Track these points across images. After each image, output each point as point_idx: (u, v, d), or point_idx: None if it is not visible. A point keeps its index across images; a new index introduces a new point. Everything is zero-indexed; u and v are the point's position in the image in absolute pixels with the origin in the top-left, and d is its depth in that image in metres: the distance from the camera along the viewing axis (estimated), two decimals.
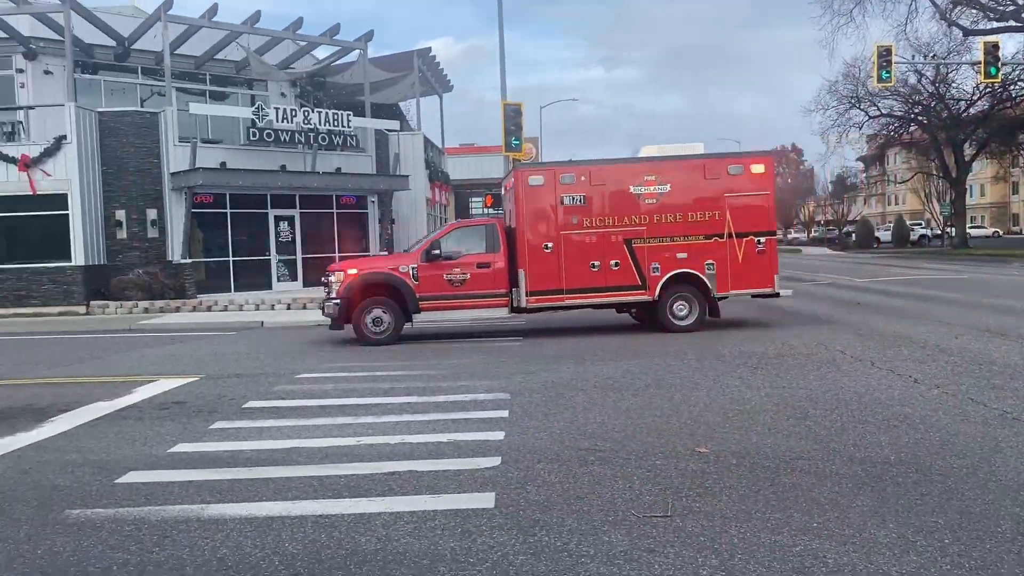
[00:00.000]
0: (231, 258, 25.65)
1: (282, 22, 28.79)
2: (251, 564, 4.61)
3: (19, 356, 14.68)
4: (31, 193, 22.79)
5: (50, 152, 22.81)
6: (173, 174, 24.11)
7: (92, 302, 22.72)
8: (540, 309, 15.14)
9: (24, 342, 17.05)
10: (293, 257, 26.72)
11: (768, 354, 11.80)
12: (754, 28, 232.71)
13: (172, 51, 24.83)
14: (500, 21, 23.14)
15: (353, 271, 14.98)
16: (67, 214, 22.93)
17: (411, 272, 14.73)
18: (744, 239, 14.80)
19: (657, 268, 14.74)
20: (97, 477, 6.46)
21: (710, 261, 14.78)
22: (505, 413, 8.30)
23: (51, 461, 6.99)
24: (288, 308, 22.10)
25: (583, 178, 14.82)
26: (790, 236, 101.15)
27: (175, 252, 24.17)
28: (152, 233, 24.55)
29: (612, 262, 14.70)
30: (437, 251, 14.73)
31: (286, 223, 26.57)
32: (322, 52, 31.40)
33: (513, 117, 21.88)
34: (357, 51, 29.31)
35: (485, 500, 5.55)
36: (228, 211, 25.45)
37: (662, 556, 4.51)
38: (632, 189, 14.79)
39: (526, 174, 15.01)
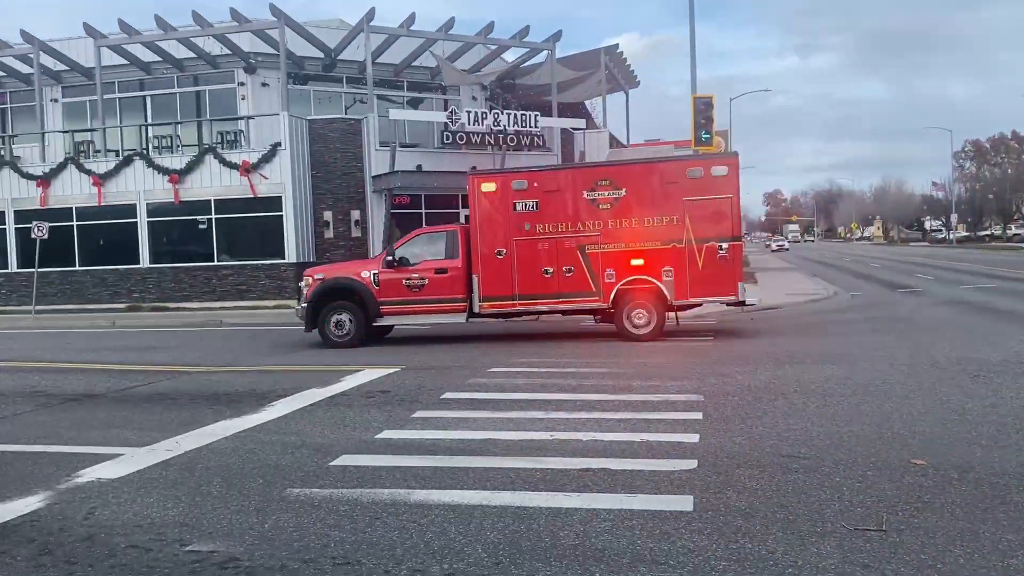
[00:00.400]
0: None
1: (473, 27, 29.68)
2: (455, 550, 4.79)
3: (241, 345, 16.07)
4: (252, 196, 24.91)
5: (267, 158, 24.83)
6: (374, 177, 25.55)
7: None
8: (493, 315, 15.01)
9: (244, 332, 18.65)
10: None
11: (991, 361, 10.80)
12: (966, 8, 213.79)
13: (373, 60, 26.31)
14: (691, 12, 22.67)
15: (320, 276, 15.41)
16: (281, 215, 24.88)
17: (372, 278, 15.04)
18: (705, 245, 14.19)
19: (612, 275, 14.39)
20: (313, 459, 6.94)
21: (668, 268, 14.28)
22: (699, 415, 8.12)
23: (273, 442, 7.60)
24: None
25: (535, 184, 14.69)
26: (1010, 232, 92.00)
27: (376, 250, 25.59)
28: (355, 232, 26.14)
29: (565, 268, 14.50)
30: (397, 257, 14.99)
31: None
32: (511, 55, 32.12)
33: (703, 110, 21.35)
34: (545, 52, 29.73)
35: (683, 503, 5.44)
36: (423, 211, 26.62)
37: (878, 573, 4.24)
38: (586, 195, 14.49)
39: (479, 181, 14.94)
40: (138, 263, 25.79)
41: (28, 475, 6.72)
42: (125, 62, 28.02)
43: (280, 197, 24.84)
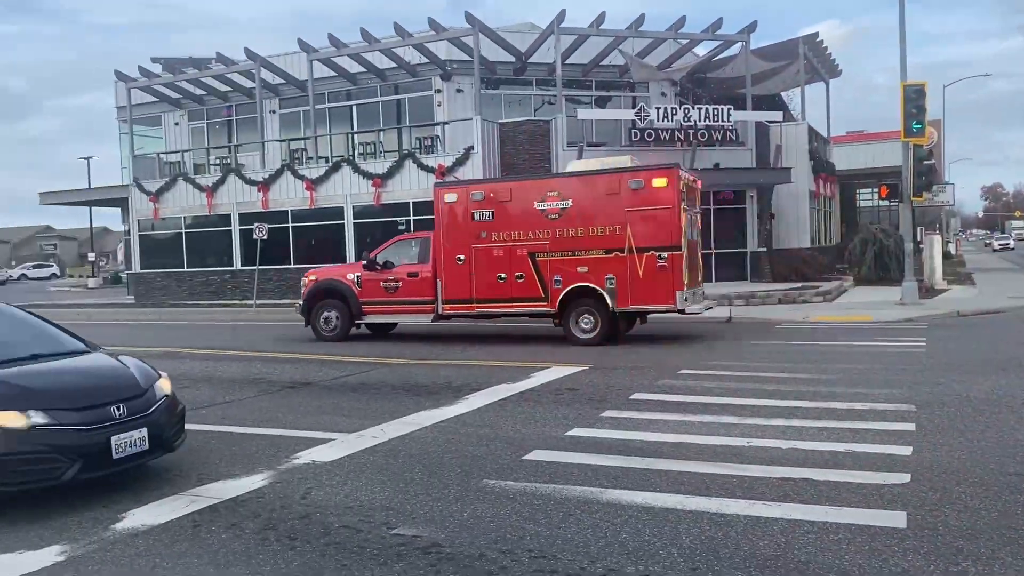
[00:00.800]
0: None
1: (663, 23, 29.26)
2: (650, 552, 4.75)
3: (447, 340, 16.75)
4: None
5: (460, 161, 25.74)
6: None
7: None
8: (455, 316, 15.87)
9: (442, 326, 19.41)
10: None
11: None
12: None
13: (563, 61, 26.60)
14: None
15: (313, 277, 17.00)
16: None
17: (355, 280, 16.38)
18: (645, 254, 14.34)
19: (559, 281, 14.83)
20: (507, 452, 7.13)
21: (610, 275, 14.51)
22: (911, 426, 7.56)
23: (469, 434, 7.88)
24: None
25: (492, 195, 15.44)
26: None
27: None
28: None
29: (517, 274, 15.07)
30: (377, 261, 16.24)
31: None
32: (702, 48, 31.39)
33: (914, 99, 19.81)
34: (739, 44, 28.78)
35: (895, 519, 5.10)
36: None
37: None
38: (536, 205, 14.99)
39: (443, 192, 15.91)
40: (346, 261, 27.56)
41: (252, 455, 7.37)
42: (334, 74, 30.00)
43: None
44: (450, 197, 15.75)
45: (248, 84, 31.15)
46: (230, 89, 32.29)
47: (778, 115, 30.46)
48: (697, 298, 15.62)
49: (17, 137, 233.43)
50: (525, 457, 6.93)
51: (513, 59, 28.63)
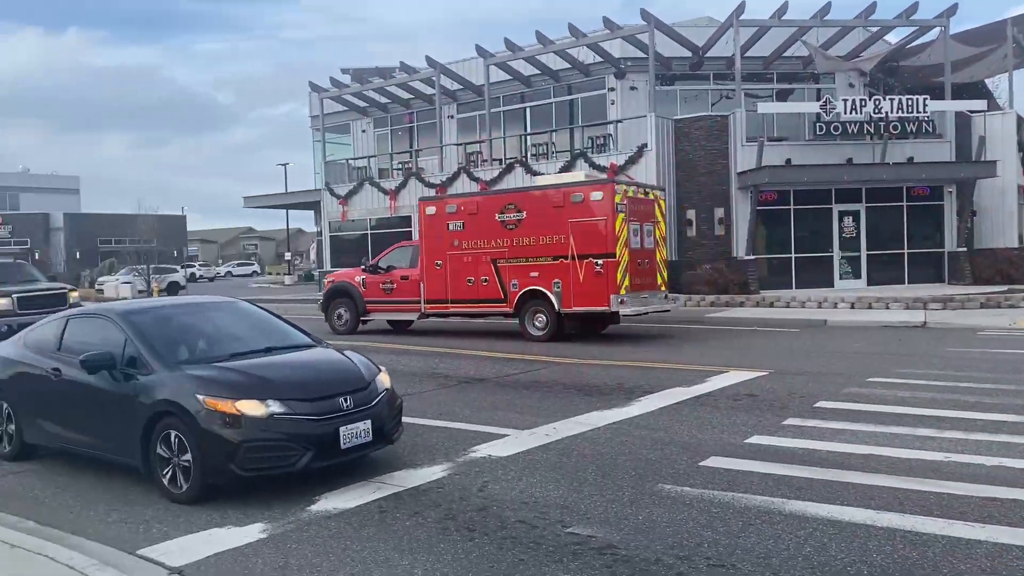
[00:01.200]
0: (792, 255, 25.64)
1: (851, 10, 27.62)
2: (837, 568, 4.51)
3: (611, 339, 16.70)
4: None
5: (633, 160, 25.51)
6: (740, 173, 25.02)
7: (667, 294, 24.84)
8: (435, 315, 17.65)
9: (610, 328, 19.33)
10: (857, 254, 25.58)
11: None
12: None
13: (742, 54, 25.76)
14: None
15: (330, 279, 19.62)
16: None
17: (361, 281, 18.67)
18: (585, 261, 15.64)
19: (516, 285, 16.45)
20: (682, 457, 7.00)
21: (557, 280, 15.95)
22: None
23: (642, 437, 7.80)
24: (852, 307, 21.23)
25: (463, 208, 17.33)
26: None
27: (739, 249, 25.07)
28: (718, 231, 25.83)
29: (483, 278, 16.87)
30: (379, 265, 18.63)
31: (850, 218, 25.53)
32: (894, 35, 29.39)
33: None
34: (937, 29, 26.73)
35: None
36: (791, 208, 25.46)
37: None
38: (498, 217, 16.69)
39: (424, 205, 18.05)
40: None
41: (432, 446, 7.67)
42: (509, 77, 30.64)
43: None
44: (430, 210, 17.78)
45: (428, 91, 32.41)
46: (412, 96, 33.71)
47: (981, 104, 27.98)
48: (642, 301, 16.44)
49: (224, 146, 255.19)
50: (702, 463, 6.78)
51: (689, 54, 28.05)
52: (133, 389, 6.49)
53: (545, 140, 29.35)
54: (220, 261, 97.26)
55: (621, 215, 15.57)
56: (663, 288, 17.47)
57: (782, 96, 29.68)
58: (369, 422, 6.44)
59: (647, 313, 16.91)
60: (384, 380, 6.98)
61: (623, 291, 15.55)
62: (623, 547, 4.96)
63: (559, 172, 26.60)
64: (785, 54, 27.94)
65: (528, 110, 31.91)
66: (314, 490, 6.31)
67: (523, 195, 17.12)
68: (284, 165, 75.65)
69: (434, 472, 6.78)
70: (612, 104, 29.44)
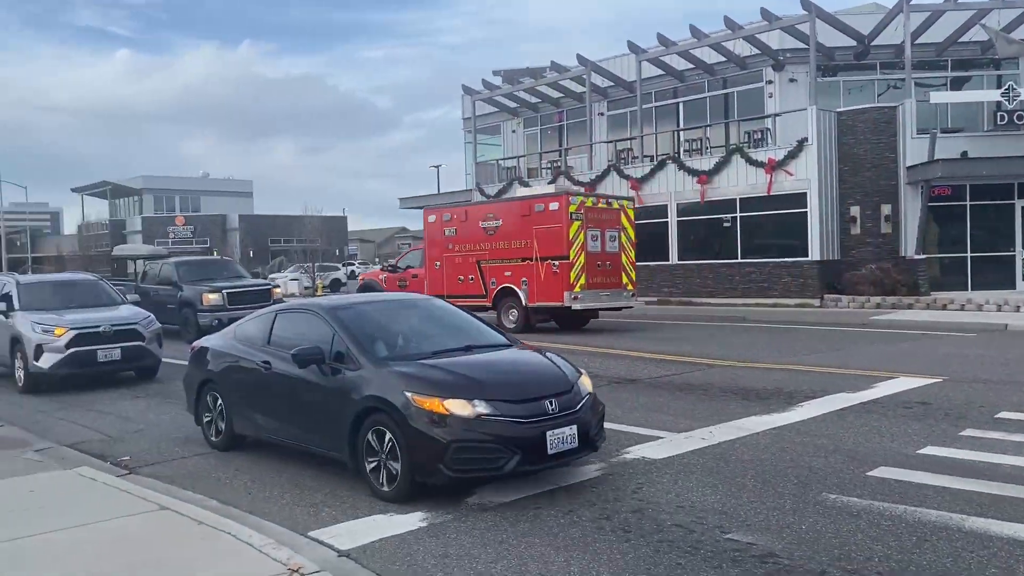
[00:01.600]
0: (968, 254, 23.87)
1: None
2: None
3: (764, 342, 16.15)
4: (767, 194, 24.89)
5: (792, 154, 24.49)
6: (909, 168, 23.54)
7: (825, 295, 23.72)
8: None
9: (766, 330, 18.72)
10: None
11: None
12: None
13: (912, 41, 24.20)
14: None
15: (363, 277, 23.16)
16: (805, 212, 24.35)
17: (383, 279, 22.65)
18: (545, 262, 18.07)
19: (494, 283, 19.17)
20: (849, 466, 6.67)
21: (524, 279, 18.48)
22: None
23: (805, 443, 7.49)
24: None
25: (455, 216, 20.53)
26: None
27: (908, 247, 23.58)
28: (884, 228, 24.40)
29: (470, 277, 19.78)
30: (396, 265, 23.16)
31: None
32: None
33: None
34: None
35: None
36: (967, 203, 23.71)
37: None
38: (481, 224, 19.53)
39: (427, 213, 21.44)
40: (667, 260, 27.62)
41: None
42: (661, 73, 30.14)
43: (804, 193, 24.31)
44: (431, 218, 21.20)
45: (578, 89, 32.43)
46: (562, 95, 33.85)
47: None
48: (598, 297, 18.43)
49: (381, 150, 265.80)
50: (870, 473, 6.43)
51: (854, 43, 26.64)
52: (340, 384, 6.52)
53: (699, 136, 28.74)
54: (376, 260, 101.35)
55: (576, 223, 17.91)
56: (629, 287, 19.45)
57: (956, 84, 27.63)
58: (575, 427, 6.15)
59: (602, 309, 19.15)
60: (586, 383, 6.66)
61: (577, 288, 17.89)
62: (786, 556, 4.78)
63: (712, 168, 26.06)
64: (961, 40, 26.01)
65: (681, 105, 31.30)
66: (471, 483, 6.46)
67: (499, 205, 20.50)
68: (436, 167, 77.87)
69: (588, 471, 6.78)
70: (770, 97, 28.40)
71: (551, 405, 6.11)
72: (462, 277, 19.99)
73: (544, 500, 6.06)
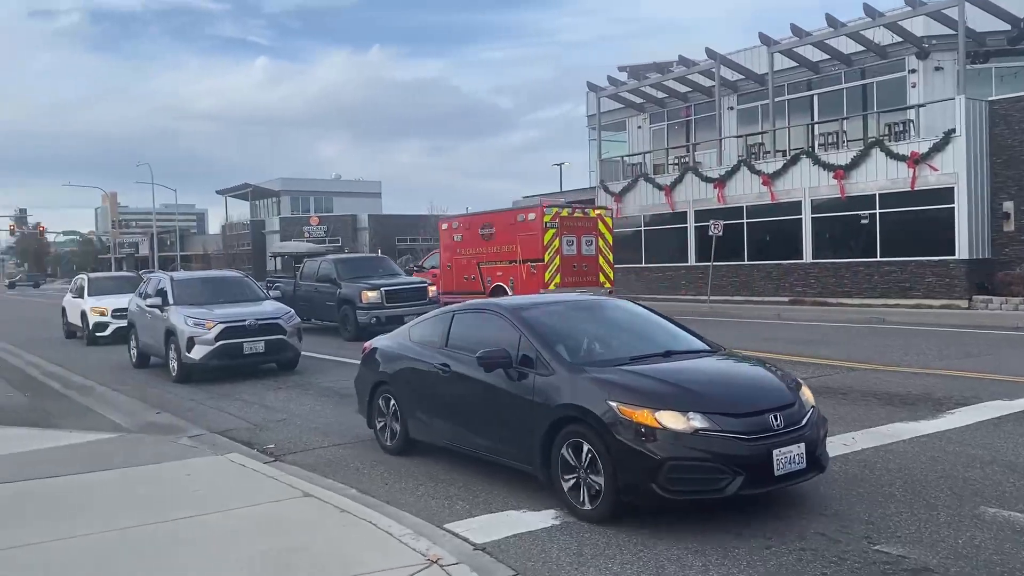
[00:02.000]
0: None
1: None
2: None
3: (907, 345, 15.28)
4: (910, 189, 23.54)
5: (938, 147, 23.09)
6: None
7: (974, 296, 22.25)
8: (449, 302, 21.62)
9: (908, 332, 17.72)
10: None
11: None
12: None
13: None
14: None
15: None
16: (952, 207, 22.91)
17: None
18: (526, 264, 21.66)
19: (489, 280, 22.73)
20: (1008, 478, 6.23)
21: (511, 278, 22.05)
22: None
23: (957, 453, 7.04)
24: None
25: (461, 224, 24.39)
26: None
27: None
28: None
29: (472, 276, 23.35)
30: (422, 265, 27.41)
31: None
32: None
33: None
34: None
35: None
36: None
37: None
38: (480, 231, 23.21)
39: (441, 222, 25.77)
40: (801, 258, 26.58)
41: None
42: (794, 64, 29.08)
43: (952, 188, 22.87)
44: (444, 225, 25.27)
45: (707, 83, 31.75)
46: (689, 89, 33.22)
47: None
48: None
49: (504, 149, 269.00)
50: None
51: (1008, 27, 24.89)
52: (530, 390, 6.07)
53: (835, 129, 27.48)
54: None
55: (551, 231, 21.23)
56: (607, 285, 22.45)
57: None
58: (803, 445, 5.48)
59: None
60: (808, 396, 6.00)
61: (552, 287, 20.67)
62: (941, 571, 4.51)
63: (850, 162, 24.91)
64: None
65: (815, 98, 30.11)
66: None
67: (493, 215, 23.69)
68: (559, 165, 78.08)
69: None
70: (913, 87, 26.92)
71: (776, 420, 5.48)
72: (467, 276, 23.56)
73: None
